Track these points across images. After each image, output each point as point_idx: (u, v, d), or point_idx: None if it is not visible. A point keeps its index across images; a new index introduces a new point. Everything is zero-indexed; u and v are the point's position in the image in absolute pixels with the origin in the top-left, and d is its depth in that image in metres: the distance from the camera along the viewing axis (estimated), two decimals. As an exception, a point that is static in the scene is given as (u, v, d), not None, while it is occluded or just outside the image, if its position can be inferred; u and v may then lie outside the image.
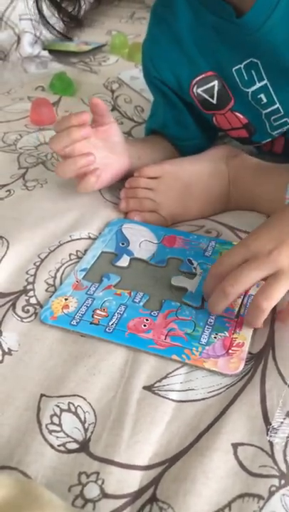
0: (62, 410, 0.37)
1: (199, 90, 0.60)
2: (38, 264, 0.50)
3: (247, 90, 0.57)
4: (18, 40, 0.97)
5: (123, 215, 0.59)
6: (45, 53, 0.99)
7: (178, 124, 0.66)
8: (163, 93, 0.64)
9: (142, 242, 0.53)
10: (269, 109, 0.57)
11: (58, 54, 1.00)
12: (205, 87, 0.60)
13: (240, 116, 0.60)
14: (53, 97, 0.83)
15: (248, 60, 0.55)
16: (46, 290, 0.47)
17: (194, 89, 0.60)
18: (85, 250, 0.52)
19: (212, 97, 0.60)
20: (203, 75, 0.59)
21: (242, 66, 0.55)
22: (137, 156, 0.61)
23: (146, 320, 0.44)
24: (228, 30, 0.53)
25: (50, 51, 1.00)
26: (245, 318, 0.43)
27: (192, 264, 0.50)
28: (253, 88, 0.56)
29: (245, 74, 0.56)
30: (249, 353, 0.42)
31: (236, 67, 0.56)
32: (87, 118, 0.54)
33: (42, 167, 0.65)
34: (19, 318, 0.44)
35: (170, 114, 0.65)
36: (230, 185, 0.59)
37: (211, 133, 0.69)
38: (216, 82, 0.59)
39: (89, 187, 0.55)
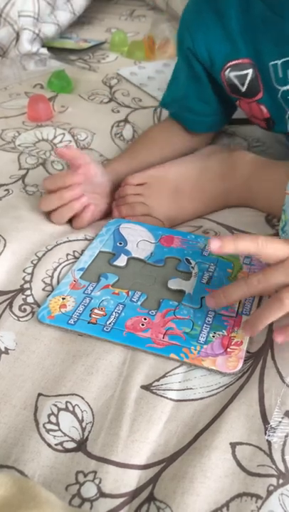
0: (59, 409, 0.37)
1: (231, 74, 0.58)
2: (35, 262, 0.49)
3: (279, 88, 0.56)
4: (17, 37, 0.97)
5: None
6: (44, 50, 0.98)
7: (199, 99, 0.64)
8: (191, 65, 0.62)
9: (140, 241, 0.53)
10: None
11: (57, 51, 0.99)
12: (238, 73, 0.58)
13: (264, 110, 0.59)
14: (51, 93, 0.83)
15: (288, 58, 0.53)
16: (43, 289, 0.47)
17: (226, 72, 0.59)
18: (82, 250, 0.52)
19: (242, 85, 0.58)
20: (240, 61, 0.57)
21: (279, 63, 0.54)
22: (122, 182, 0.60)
23: (145, 319, 0.44)
24: (275, 23, 0.52)
25: (49, 48, 0.99)
26: (260, 309, 0.41)
27: (190, 263, 0.50)
28: (286, 88, 0.55)
29: (280, 71, 0.54)
30: (248, 351, 0.42)
31: (273, 62, 0.54)
32: (80, 180, 0.54)
33: (42, 169, 0.64)
34: (16, 318, 0.44)
35: (193, 87, 0.64)
36: (224, 180, 0.59)
37: (230, 110, 0.67)
38: (250, 71, 0.57)
39: (85, 223, 0.56)
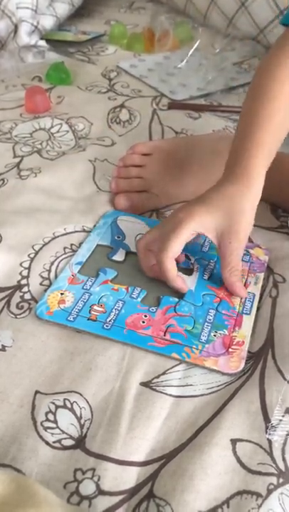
0: (57, 407, 0.37)
1: None
2: (32, 256, 0.49)
3: None
4: (15, 30, 0.96)
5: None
6: (43, 43, 0.97)
7: None
8: None
9: (138, 235, 0.52)
10: None
11: (55, 44, 0.98)
12: None
13: None
14: (48, 85, 0.82)
15: None
16: (41, 284, 0.46)
17: None
18: (80, 243, 0.51)
19: None
20: None
21: None
22: None
23: (145, 316, 0.43)
24: None
25: (48, 41, 0.98)
26: None
27: (189, 259, 0.50)
28: None
29: None
30: (248, 351, 0.41)
31: None
32: None
33: (37, 156, 0.64)
34: (13, 316, 0.43)
35: None
36: None
37: None
38: None
39: None
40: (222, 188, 0.45)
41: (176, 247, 0.43)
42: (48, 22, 0.98)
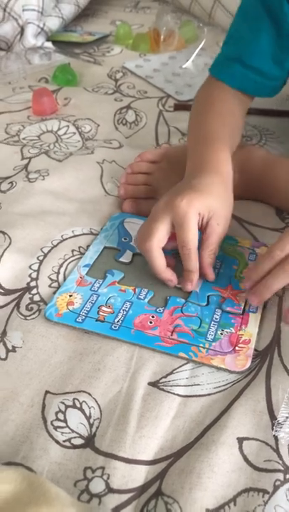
0: (67, 407, 0.37)
1: None
2: (41, 258, 0.49)
3: None
4: (22, 31, 0.96)
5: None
6: (49, 44, 0.98)
7: (275, 61, 0.57)
8: (274, 20, 0.55)
9: None
10: None
11: (61, 45, 0.99)
12: None
13: None
14: (55, 86, 0.83)
15: None
16: (50, 286, 0.47)
17: None
18: (88, 246, 0.52)
19: None
20: None
21: None
22: None
23: (152, 317, 0.44)
24: None
25: (54, 42, 0.99)
26: (265, 279, 0.43)
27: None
28: None
29: None
30: (255, 349, 0.42)
31: None
32: None
33: (45, 156, 0.65)
34: (23, 317, 0.44)
35: (270, 47, 0.57)
36: (241, 173, 0.58)
37: None
38: None
39: None
40: (209, 176, 0.48)
41: (191, 234, 0.45)
42: (53, 23, 0.99)
